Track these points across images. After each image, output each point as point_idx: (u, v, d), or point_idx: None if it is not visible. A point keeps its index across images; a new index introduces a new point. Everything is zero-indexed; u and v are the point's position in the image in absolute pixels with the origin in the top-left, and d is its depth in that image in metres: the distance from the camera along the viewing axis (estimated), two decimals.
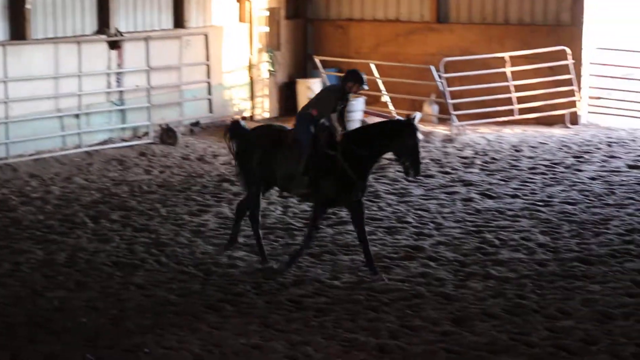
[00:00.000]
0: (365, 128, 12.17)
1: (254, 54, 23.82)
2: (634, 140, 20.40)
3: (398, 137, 11.66)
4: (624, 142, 20.29)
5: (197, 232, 13.92)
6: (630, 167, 17.88)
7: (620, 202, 15.33)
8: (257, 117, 23.79)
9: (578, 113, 22.56)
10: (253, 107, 23.95)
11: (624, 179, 16.93)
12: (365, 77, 11.94)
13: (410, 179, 12.57)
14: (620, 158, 18.64)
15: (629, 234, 13.52)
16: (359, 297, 11.13)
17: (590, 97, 23.12)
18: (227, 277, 11.95)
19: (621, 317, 10.37)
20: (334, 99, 11.92)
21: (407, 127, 11.67)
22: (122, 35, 20.59)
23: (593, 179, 16.99)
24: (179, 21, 22.21)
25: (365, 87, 12.05)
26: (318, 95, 12.35)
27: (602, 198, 15.59)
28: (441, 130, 21.58)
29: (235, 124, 12.73)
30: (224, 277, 11.95)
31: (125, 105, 20.81)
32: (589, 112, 23.06)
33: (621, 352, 9.41)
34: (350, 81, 11.87)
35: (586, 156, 18.90)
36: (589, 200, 15.50)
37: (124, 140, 20.51)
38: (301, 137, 11.92)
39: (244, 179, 12.53)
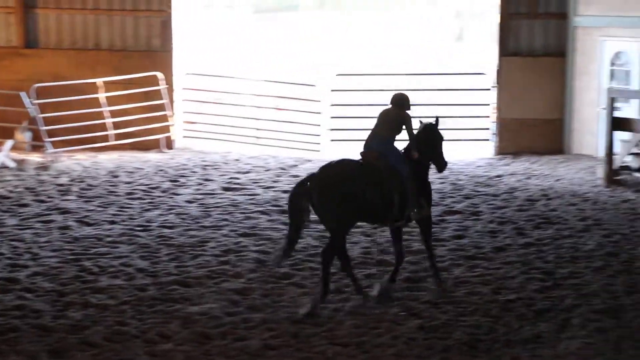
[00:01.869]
0: (414, 142, 12.19)
1: None
2: (226, 163, 21.06)
3: (437, 139, 12.32)
4: (217, 165, 20.88)
5: None
6: (225, 189, 18.42)
7: (216, 223, 15.74)
8: None
9: (173, 137, 22.94)
10: None
11: (219, 201, 17.41)
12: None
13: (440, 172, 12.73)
14: (214, 181, 19.15)
15: (224, 254, 13.90)
16: None
17: (184, 122, 23.64)
18: None
19: (219, 336, 10.66)
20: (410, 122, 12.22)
21: (437, 128, 12.35)
22: None
23: (190, 202, 17.32)
24: None
25: None
26: (401, 121, 12.21)
27: (198, 221, 15.92)
28: (35, 157, 21.05)
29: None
30: None
31: None
32: (184, 137, 23.56)
33: None
34: (407, 102, 12.30)
35: (182, 180, 19.22)
36: (186, 223, 15.76)
37: None
38: (396, 163, 11.94)
39: (333, 221, 11.62)
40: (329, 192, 11.52)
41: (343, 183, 11.59)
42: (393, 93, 12.47)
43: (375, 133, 12.14)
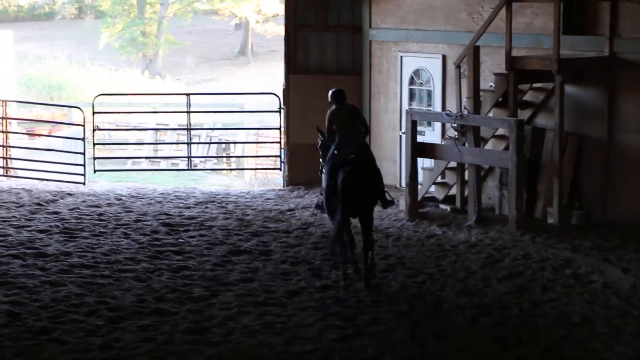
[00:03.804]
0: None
1: None
2: None
3: None
4: None
5: None
6: None
7: None
8: None
9: None
10: None
11: None
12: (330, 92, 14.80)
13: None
14: None
15: None
16: None
17: None
18: None
19: None
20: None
21: None
22: None
23: None
24: None
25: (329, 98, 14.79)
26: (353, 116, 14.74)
27: None
28: None
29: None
30: None
31: None
32: None
33: None
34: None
35: None
36: None
37: None
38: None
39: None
40: (366, 182, 14.08)
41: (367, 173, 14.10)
42: (331, 90, 14.76)
43: (348, 130, 14.45)
